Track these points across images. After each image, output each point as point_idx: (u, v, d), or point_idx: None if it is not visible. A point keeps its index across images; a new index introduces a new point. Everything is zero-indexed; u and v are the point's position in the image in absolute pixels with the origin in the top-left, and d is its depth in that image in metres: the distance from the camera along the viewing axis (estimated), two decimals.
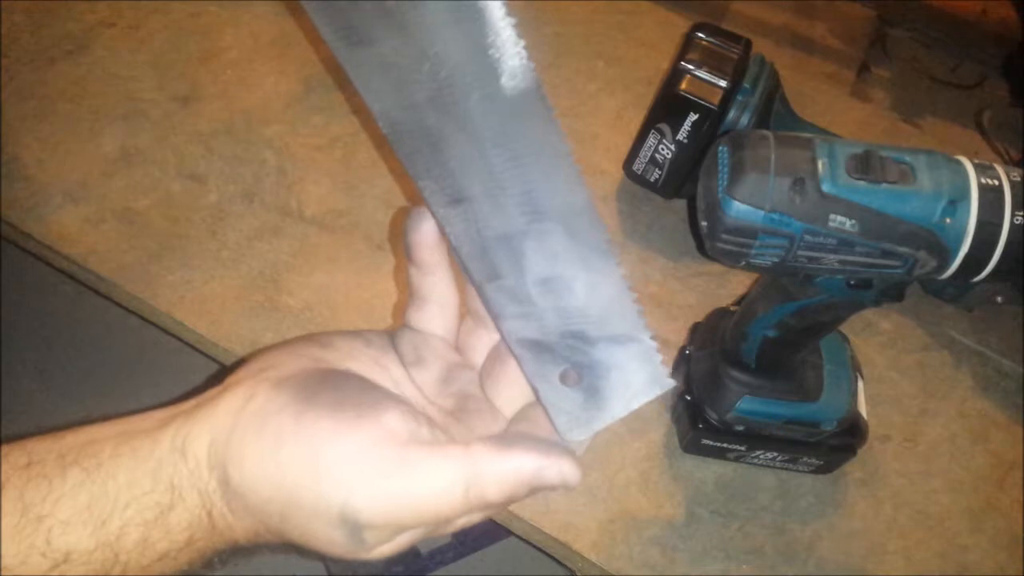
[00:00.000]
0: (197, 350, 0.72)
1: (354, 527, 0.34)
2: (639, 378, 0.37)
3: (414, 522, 0.35)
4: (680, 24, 0.95)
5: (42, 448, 0.35)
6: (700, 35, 0.74)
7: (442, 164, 0.36)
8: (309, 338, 0.39)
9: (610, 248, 0.36)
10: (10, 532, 0.33)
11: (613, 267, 0.37)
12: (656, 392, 0.37)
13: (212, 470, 0.34)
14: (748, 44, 0.75)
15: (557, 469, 0.35)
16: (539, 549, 0.66)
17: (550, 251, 0.36)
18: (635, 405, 0.38)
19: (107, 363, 1.47)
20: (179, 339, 0.72)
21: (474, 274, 0.37)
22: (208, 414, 0.35)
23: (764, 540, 0.66)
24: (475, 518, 0.38)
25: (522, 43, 0.33)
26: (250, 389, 0.35)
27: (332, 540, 0.34)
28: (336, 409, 0.34)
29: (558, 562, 0.66)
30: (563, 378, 0.38)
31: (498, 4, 0.33)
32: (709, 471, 0.68)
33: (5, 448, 0.35)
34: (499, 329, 0.38)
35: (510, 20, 0.33)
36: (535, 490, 0.35)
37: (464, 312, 0.41)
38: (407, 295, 0.42)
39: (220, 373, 0.38)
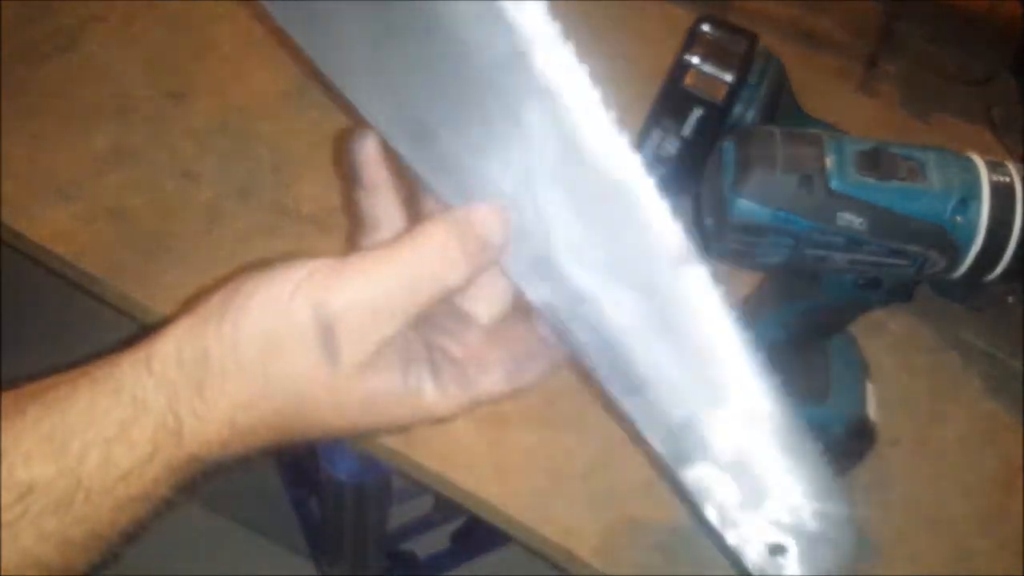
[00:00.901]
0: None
1: (327, 326, 0.34)
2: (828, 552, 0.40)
3: (381, 314, 0.35)
4: (684, 18, 0.94)
5: (2, 400, 0.35)
6: (705, 29, 0.73)
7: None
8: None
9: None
10: None
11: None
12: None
13: (182, 367, 0.34)
14: (754, 38, 0.74)
15: (481, 215, 0.35)
16: (540, 555, 0.65)
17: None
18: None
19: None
20: None
21: (666, 459, 0.39)
22: (168, 330, 0.36)
23: None
24: (455, 394, 0.38)
25: None
26: (198, 301, 0.36)
27: (311, 366, 0.34)
28: (276, 268, 0.35)
29: (559, 568, 0.65)
30: (772, 550, 0.39)
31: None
32: None
33: None
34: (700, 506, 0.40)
35: None
36: (479, 241, 0.35)
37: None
38: (354, 223, 0.41)
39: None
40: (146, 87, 0.82)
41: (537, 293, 0.37)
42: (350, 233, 0.72)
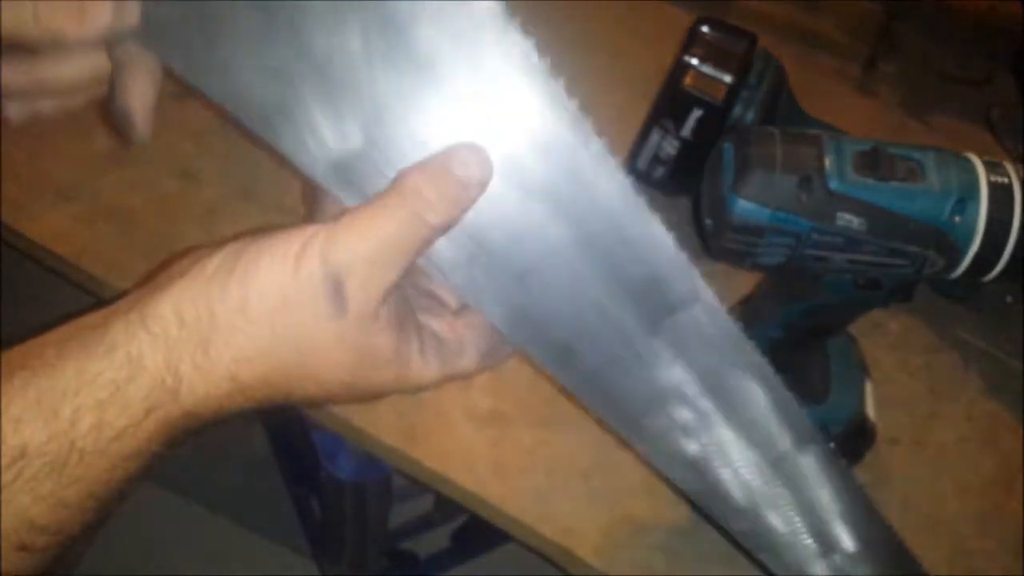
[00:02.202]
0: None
1: (335, 277, 0.36)
2: None
3: (383, 261, 0.36)
4: (683, 18, 0.94)
5: None
6: (704, 29, 0.73)
7: None
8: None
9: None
10: None
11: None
12: None
13: (183, 325, 0.35)
14: (753, 39, 0.74)
15: (462, 156, 0.37)
16: (539, 554, 0.65)
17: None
18: None
19: None
20: None
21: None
22: (163, 287, 0.36)
23: None
24: (432, 364, 0.40)
25: None
26: (196, 257, 0.37)
27: (320, 318, 0.36)
28: (282, 229, 0.37)
29: (559, 567, 0.65)
30: None
31: None
32: None
33: None
34: None
35: None
36: (463, 185, 0.37)
37: None
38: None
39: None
40: None
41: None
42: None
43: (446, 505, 1.15)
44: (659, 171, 0.76)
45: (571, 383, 0.42)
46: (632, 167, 0.77)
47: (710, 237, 0.50)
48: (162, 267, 0.39)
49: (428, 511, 1.24)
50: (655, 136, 0.74)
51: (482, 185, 0.38)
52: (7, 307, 1.48)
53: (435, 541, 1.29)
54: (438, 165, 0.37)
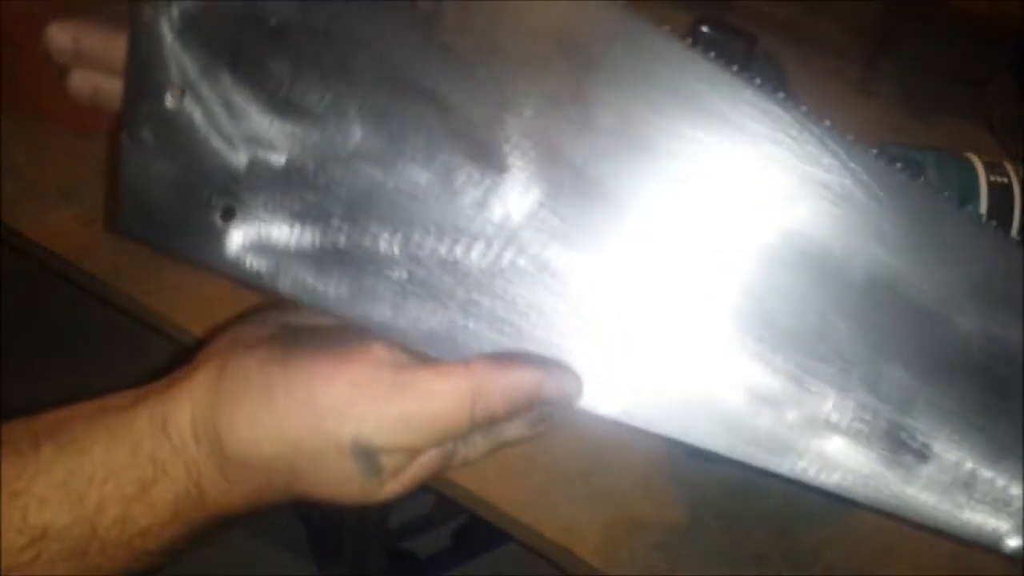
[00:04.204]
0: (193, 352, 0.71)
1: (368, 453, 0.34)
2: None
3: (426, 439, 0.34)
4: (683, 18, 0.94)
5: (14, 429, 0.35)
6: (704, 30, 0.73)
7: None
8: (268, 307, 0.39)
9: None
10: None
11: None
12: None
13: (199, 443, 0.34)
14: (753, 39, 0.74)
15: (556, 381, 0.35)
16: (539, 554, 0.65)
17: None
18: None
19: (101, 365, 1.46)
20: (176, 341, 0.71)
21: None
22: (184, 390, 0.35)
23: (770, 545, 0.65)
24: (480, 444, 0.38)
25: None
26: (222, 359, 0.35)
27: (347, 478, 0.34)
28: (320, 351, 0.34)
29: (559, 568, 0.65)
30: None
31: None
32: (714, 475, 0.67)
33: None
34: None
35: None
36: (536, 402, 0.35)
37: None
38: None
39: (185, 352, 0.38)
40: None
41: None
42: None
43: (446, 505, 1.15)
44: None
45: None
46: None
47: None
48: (221, 331, 0.37)
49: (428, 511, 1.24)
50: None
51: (559, 405, 0.36)
52: (7, 307, 1.48)
53: (435, 541, 1.29)
54: (528, 376, 0.35)
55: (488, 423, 0.35)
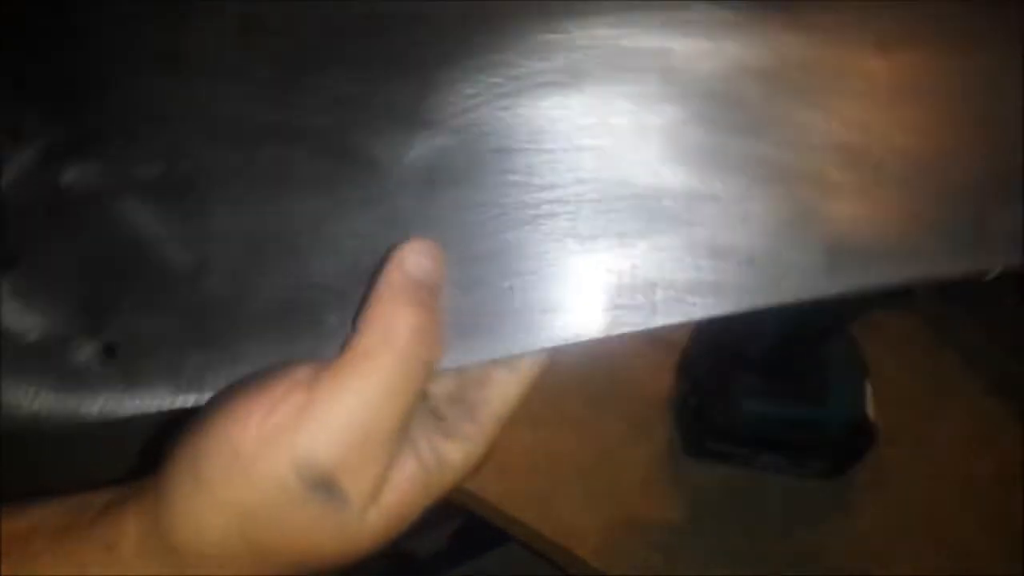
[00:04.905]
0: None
1: (320, 478, 0.29)
2: None
3: (370, 433, 0.30)
4: None
5: None
6: None
7: None
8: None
9: None
10: None
11: None
12: None
13: (148, 559, 0.31)
14: None
15: (413, 259, 0.31)
16: (539, 554, 0.65)
17: None
18: None
19: None
20: None
21: None
22: (124, 515, 0.32)
23: (770, 545, 0.65)
24: (469, 429, 0.35)
25: None
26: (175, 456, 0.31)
27: (314, 517, 0.30)
28: (234, 397, 0.30)
29: (559, 568, 0.65)
30: None
31: None
32: (714, 475, 0.67)
33: None
34: None
35: None
36: (422, 288, 0.31)
37: None
38: None
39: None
40: None
41: None
42: None
43: (446, 505, 1.14)
44: None
45: None
46: None
47: None
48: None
49: (428, 511, 1.24)
50: None
51: (442, 274, 0.32)
52: None
53: (435, 541, 1.29)
54: (392, 282, 0.31)
55: (421, 363, 0.31)
